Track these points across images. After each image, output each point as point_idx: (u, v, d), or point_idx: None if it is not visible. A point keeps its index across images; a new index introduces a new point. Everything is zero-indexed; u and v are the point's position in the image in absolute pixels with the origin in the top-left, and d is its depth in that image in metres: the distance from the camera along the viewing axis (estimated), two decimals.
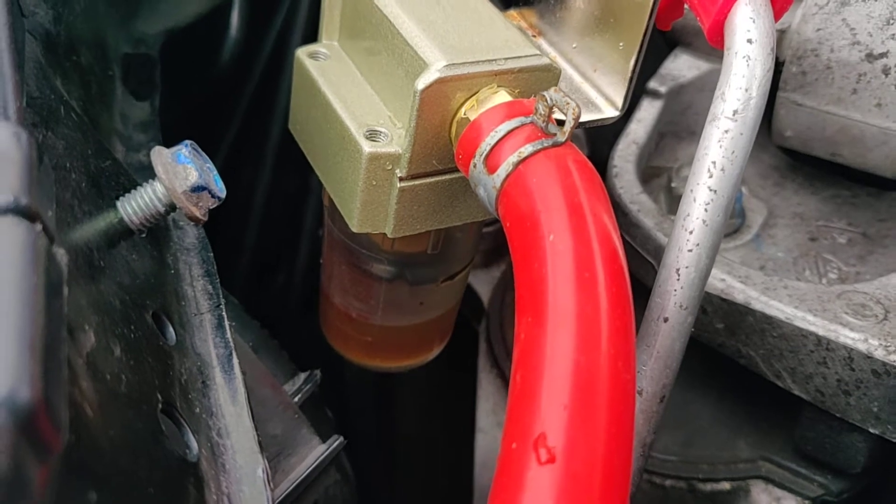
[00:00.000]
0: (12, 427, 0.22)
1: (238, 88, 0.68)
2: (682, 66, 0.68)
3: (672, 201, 0.63)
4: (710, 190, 0.43)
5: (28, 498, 0.22)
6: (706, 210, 0.43)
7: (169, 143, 0.55)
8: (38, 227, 0.28)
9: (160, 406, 0.33)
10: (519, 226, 0.39)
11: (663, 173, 0.66)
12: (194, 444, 0.34)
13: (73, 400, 0.27)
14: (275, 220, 0.73)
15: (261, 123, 0.70)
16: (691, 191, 0.43)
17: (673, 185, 0.63)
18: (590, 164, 0.41)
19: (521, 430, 0.32)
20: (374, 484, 0.89)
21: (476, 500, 0.68)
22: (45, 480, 0.23)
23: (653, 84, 0.67)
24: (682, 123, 0.69)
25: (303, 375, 0.52)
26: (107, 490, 0.27)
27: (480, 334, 0.72)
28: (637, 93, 0.65)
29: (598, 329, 0.34)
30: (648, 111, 0.66)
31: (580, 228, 0.37)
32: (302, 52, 0.50)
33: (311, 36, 0.54)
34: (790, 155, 0.69)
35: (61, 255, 0.29)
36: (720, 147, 0.42)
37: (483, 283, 0.75)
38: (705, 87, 0.67)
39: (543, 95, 0.40)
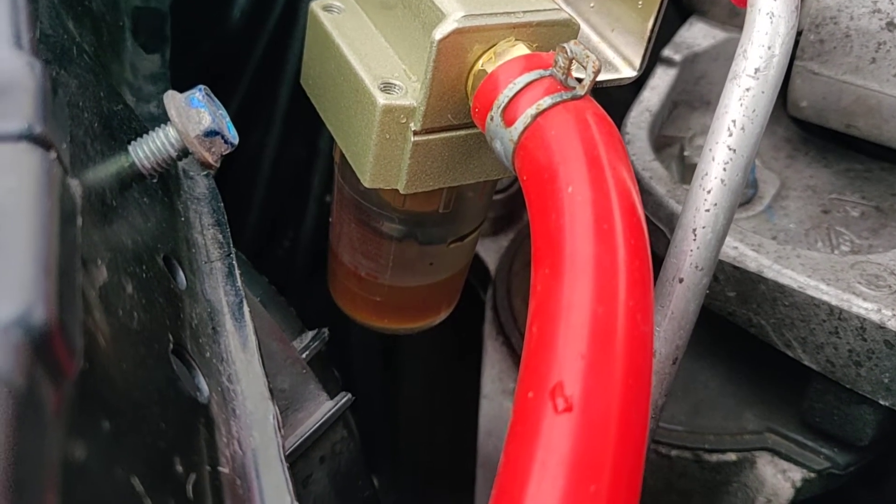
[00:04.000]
0: (28, 346, 0.22)
1: (248, 47, 0.67)
2: (697, 35, 0.67)
3: (685, 170, 0.63)
4: (730, 149, 0.42)
5: (43, 419, 0.22)
6: (725, 169, 0.42)
7: None
8: (53, 154, 0.27)
9: (171, 346, 0.32)
10: (536, 178, 0.38)
11: (676, 142, 0.66)
12: (205, 387, 0.33)
13: (86, 328, 0.26)
14: (282, 184, 0.73)
15: (270, 84, 0.69)
16: (710, 150, 0.42)
17: (686, 153, 0.63)
18: (608, 117, 0.41)
19: (537, 379, 0.32)
20: (378, 447, 0.88)
21: (479, 466, 0.68)
22: (60, 404, 0.23)
23: (667, 52, 0.66)
24: (696, 93, 0.68)
25: (310, 333, 0.52)
26: (120, 421, 0.26)
27: (487, 302, 0.72)
28: (651, 61, 0.64)
29: (616, 280, 0.34)
30: (662, 79, 0.65)
31: (599, 180, 0.37)
32: (316, 5, 0.49)
33: None
34: (803, 128, 0.68)
35: (75, 185, 0.28)
36: (741, 105, 0.42)
37: (490, 252, 0.74)
38: (720, 57, 0.66)
39: (563, 47, 0.40)
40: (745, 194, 0.63)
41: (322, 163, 0.72)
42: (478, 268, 0.74)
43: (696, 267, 0.43)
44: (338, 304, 0.59)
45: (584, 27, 0.51)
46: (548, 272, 0.35)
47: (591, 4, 0.51)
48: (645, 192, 0.59)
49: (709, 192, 0.42)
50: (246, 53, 0.68)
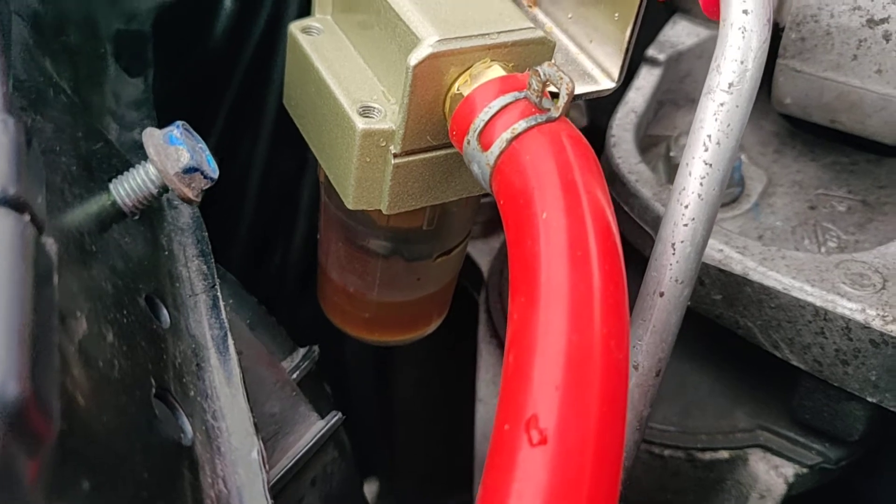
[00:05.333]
0: (1, 422, 0.22)
1: (233, 62, 0.67)
2: (680, 33, 0.67)
3: (671, 170, 0.63)
4: (706, 164, 0.42)
5: (20, 490, 0.23)
6: (701, 184, 0.42)
7: (164, 120, 0.55)
8: (26, 217, 0.28)
9: (154, 390, 0.33)
10: (512, 203, 0.39)
11: (662, 142, 0.66)
12: (189, 428, 0.34)
13: (64, 388, 0.27)
14: (271, 196, 0.73)
15: (257, 98, 0.69)
16: (686, 164, 0.43)
17: (672, 154, 0.63)
18: (584, 139, 0.41)
19: (513, 411, 0.32)
20: (376, 449, 0.89)
21: (476, 469, 0.68)
22: (37, 472, 0.23)
23: (651, 52, 0.66)
24: (681, 91, 0.68)
25: (301, 351, 0.53)
26: (100, 477, 0.27)
27: (480, 305, 0.72)
28: (635, 60, 0.64)
29: (591, 308, 0.34)
30: (647, 79, 0.65)
31: (574, 206, 0.37)
32: (295, 27, 0.49)
33: (307, 7, 0.53)
34: (790, 121, 0.68)
35: (50, 244, 0.29)
36: (715, 120, 0.42)
37: (482, 254, 0.75)
38: (704, 55, 0.66)
39: (537, 70, 0.40)
40: (732, 193, 0.63)
41: (311, 175, 0.72)
42: (470, 270, 0.74)
43: (677, 280, 0.43)
44: (329, 319, 0.60)
45: (563, 38, 0.52)
46: (524, 300, 0.36)
47: (570, 15, 0.51)
48: (631, 195, 0.59)
49: (686, 206, 0.43)
50: (231, 68, 0.68)
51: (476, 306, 0.74)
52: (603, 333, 0.34)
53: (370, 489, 0.87)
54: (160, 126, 0.50)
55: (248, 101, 0.69)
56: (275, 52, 0.67)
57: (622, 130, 0.63)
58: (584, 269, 0.35)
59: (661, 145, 0.66)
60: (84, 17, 0.50)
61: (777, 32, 0.59)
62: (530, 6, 0.53)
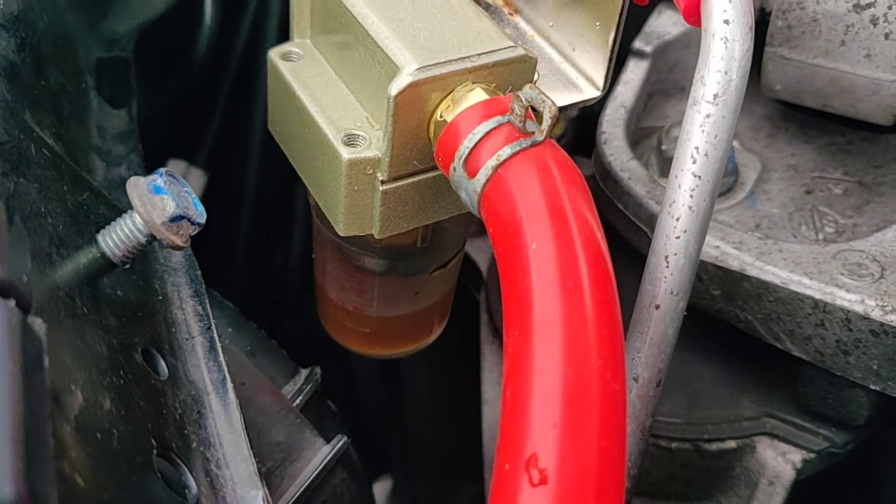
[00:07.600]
0: None
1: (217, 76, 0.67)
2: (666, 23, 0.66)
3: (663, 163, 0.62)
4: (695, 176, 0.42)
5: None
6: (691, 196, 0.42)
7: (153, 141, 0.55)
8: (11, 302, 0.27)
9: (155, 451, 0.33)
10: (501, 233, 0.39)
11: (653, 134, 0.65)
12: (192, 484, 0.34)
13: (62, 475, 0.27)
14: (267, 204, 0.73)
15: (244, 108, 0.69)
16: (675, 177, 0.43)
17: (663, 147, 0.62)
18: (570, 160, 0.41)
19: (512, 451, 0.32)
20: (388, 454, 0.90)
21: (486, 470, 0.69)
22: None
23: (638, 44, 0.65)
24: (670, 81, 0.67)
25: (304, 373, 0.53)
26: None
27: (481, 305, 0.72)
28: (622, 53, 0.63)
29: (586, 340, 0.34)
30: (635, 72, 0.65)
31: (563, 234, 0.37)
32: (274, 54, 0.49)
33: (285, 19, 0.52)
34: (782, 102, 0.67)
35: (39, 324, 0.29)
36: (702, 132, 0.42)
37: (481, 252, 0.75)
38: (691, 43, 0.66)
39: (518, 96, 0.39)
40: (726, 182, 0.63)
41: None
42: (469, 269, 0.74)
43: (672, 292, 0.43)
44: (331, 335, 0.60)
45: (545, 46, 0.51)
46: (517, 334, 0.36)
47: (551, 23, 0.51)
48: (625, 193, 0.59)
49: (677, 219, 0.43)
50: (217, 80, 0.68)
51: (476, 304, 0.74)
52: (598, 366, 0.34)
53: (384, 486, 0.88)
54: (147, 158, 0.50)
55: (236, 112, 0.69)
56: (258, 63, 0.67)
57: (612, 126, 0.62)
58: (577, 300, 0.35)
59: (652, 137, 0.65)
60: (63, 53, 0.50)
61: (763, 19, 0.58)
62: (511, 14, 0.53)
